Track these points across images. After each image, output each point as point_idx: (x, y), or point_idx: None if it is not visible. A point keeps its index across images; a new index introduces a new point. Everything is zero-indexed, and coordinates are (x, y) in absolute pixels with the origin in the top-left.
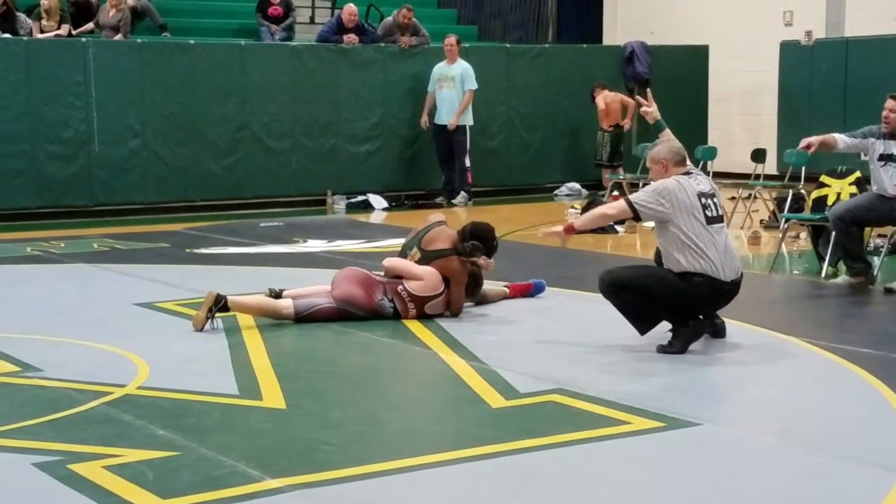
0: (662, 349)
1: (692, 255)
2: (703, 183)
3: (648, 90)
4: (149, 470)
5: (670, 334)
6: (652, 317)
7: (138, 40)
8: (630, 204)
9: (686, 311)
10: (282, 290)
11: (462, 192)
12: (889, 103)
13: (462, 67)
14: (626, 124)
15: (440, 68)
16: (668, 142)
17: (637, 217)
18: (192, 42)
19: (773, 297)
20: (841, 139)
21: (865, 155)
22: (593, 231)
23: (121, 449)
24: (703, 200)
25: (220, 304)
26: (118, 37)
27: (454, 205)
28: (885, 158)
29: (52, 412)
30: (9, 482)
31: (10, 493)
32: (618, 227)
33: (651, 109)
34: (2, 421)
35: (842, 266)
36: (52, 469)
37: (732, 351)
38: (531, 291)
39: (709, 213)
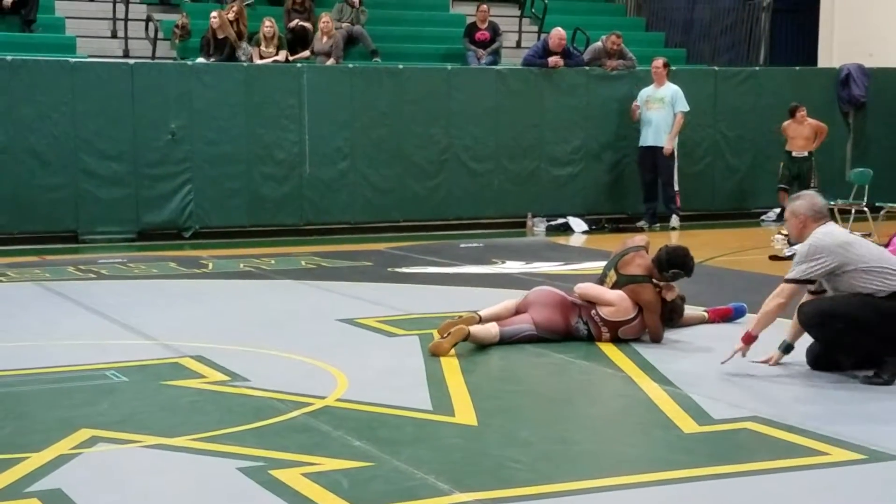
0: (868, 380)
1: (887, 277)
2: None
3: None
4: (344, 479)
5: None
6: (858, 346)
7: (350, 65)
8: (791, 282)
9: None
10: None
11: (674, 216)
12: None
13: (671, 90)
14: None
15: (647, 91)
16: (812, 196)
17: (811, 283)
18: (400, 67)
19: None
20: None
21: None
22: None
23: (319, 458)
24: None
25: (466, 338)
26: (330, 62)
27: (655, 229)
28: None
29: (257, 420)
30: (214, 484)
31: (215, 495)
32: None
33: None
34: (211, 426)
35: None
36: (255, 474)
37: None
38: (731, 316)
39: None
